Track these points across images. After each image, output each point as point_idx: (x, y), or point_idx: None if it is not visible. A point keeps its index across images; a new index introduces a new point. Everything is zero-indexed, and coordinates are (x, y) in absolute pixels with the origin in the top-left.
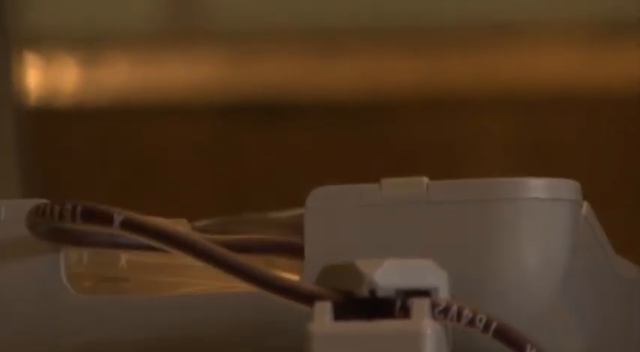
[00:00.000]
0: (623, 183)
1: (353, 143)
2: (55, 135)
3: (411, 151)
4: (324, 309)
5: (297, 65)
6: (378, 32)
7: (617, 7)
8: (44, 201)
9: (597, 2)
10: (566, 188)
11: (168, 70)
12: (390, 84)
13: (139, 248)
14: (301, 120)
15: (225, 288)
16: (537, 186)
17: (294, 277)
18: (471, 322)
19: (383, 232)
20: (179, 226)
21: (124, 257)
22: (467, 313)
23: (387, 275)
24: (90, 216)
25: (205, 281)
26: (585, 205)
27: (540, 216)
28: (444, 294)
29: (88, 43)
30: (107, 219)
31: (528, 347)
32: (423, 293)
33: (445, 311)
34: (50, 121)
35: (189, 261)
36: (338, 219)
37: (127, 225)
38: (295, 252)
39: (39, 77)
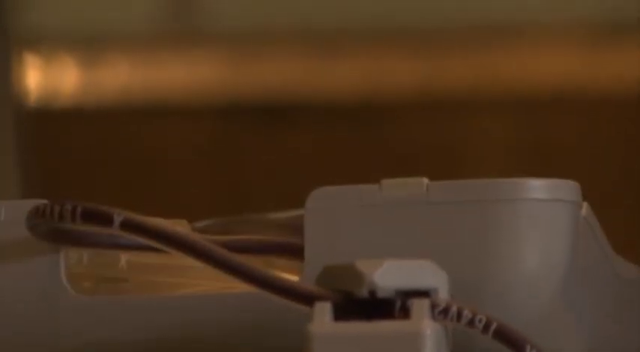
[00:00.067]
0: (623, 183)
1: (353, 144)
2: (55, 136)
3: (411, 152)
4: (323, 310)
5: (297, 66)
6: (377, 33)
7: (617, 7)
8: (44, 201)
9: (597, 2)
10: (566, 189)
11: (168, 70)
12: (389, 85)
13: (138, 248)
14: (301, 121)
15: (225, 289)
16: (537, 187)
17: (293, 278)
18: (471, 322)
19: (383, 233)
20: (179, 227)
21: (124, 257)
22: (466, 313)
23: (387, 275)
24: (90, 216)
25: (205, 282)
26: (585, 206)
27: (540, 217)
28: (443, 295)
29: (87, 43)
30: (107, 220)
31: (528, 347)
32: (423, 293)
33: (445, 311)
34: (50, 122)
35: (189, 261)
36: (338, 220)
37: (127, 225)
38: (295, 252)
39: (39, 78)
